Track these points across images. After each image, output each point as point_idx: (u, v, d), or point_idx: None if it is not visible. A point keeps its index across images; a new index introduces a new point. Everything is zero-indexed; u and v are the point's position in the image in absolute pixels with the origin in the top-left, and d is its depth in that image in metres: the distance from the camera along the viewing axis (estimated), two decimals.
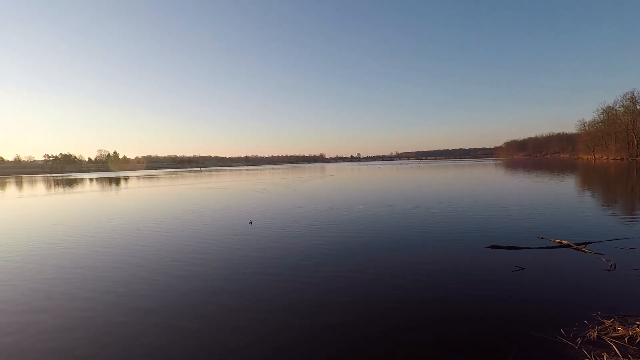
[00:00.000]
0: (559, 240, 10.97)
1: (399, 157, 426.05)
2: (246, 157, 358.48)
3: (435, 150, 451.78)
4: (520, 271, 8.50)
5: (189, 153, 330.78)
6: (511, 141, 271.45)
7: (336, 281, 8.33)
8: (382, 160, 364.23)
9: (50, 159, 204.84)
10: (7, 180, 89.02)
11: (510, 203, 20.16)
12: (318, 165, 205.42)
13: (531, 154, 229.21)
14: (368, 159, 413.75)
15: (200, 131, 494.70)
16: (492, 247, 10.79)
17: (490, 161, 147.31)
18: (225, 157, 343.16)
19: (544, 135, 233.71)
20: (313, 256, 10.55)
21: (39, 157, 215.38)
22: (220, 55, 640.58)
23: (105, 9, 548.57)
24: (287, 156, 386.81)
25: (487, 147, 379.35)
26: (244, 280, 8.62)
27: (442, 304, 6.84)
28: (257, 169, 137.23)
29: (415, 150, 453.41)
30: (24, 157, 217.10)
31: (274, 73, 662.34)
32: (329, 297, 7.36)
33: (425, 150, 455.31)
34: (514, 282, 7.82)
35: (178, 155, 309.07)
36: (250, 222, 16.59)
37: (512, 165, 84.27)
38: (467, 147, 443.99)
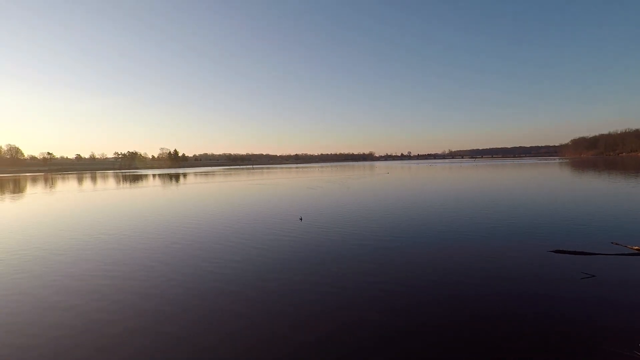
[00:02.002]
0: (637, 247, 9.85)
1: (452, 155, 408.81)
2: (296, 155, 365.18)
3: (492, 148, 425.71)
4: (590, 279, 7.78)
5: (242, 151, 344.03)
6: (579, 138, 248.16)
7: (392, 281, 8.20)
8: (434, 158, 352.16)
9: (120, 156, 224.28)
10: (84, 175, 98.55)
11: (577, 205, 18.51)
12: (367, 163, 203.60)
13: (603, 153, 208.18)
14: (419, 157, 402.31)
15: (253, 130, 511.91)
16: (556, 251, 9.99)
17: (555, 160, 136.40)
18: (275, 155, 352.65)
19: (619, 132, 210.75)
20: (364, 255, 10.48)
21: (110, 154, 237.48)
22: (271, 56, 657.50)
23: (166, 13, 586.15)
24: (335, 154, 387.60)
25: (551, 144, 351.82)
26: (288, 278, 8.78)
27: (502, 311, 6.44)
28: (307, 167, 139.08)
29: (469, 149, 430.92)
30: (97, 155, 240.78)
31: (323, 72, 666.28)
32: (387, 295, 7.27)
33: (480, 148, 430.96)
34: (582, 291, 7.17)
35: (232, 153, 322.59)
36: (301, 219, 16.84)
37: (581, 165, 77.20)
38: (527, 145, 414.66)
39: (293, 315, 6.49)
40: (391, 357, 5.01)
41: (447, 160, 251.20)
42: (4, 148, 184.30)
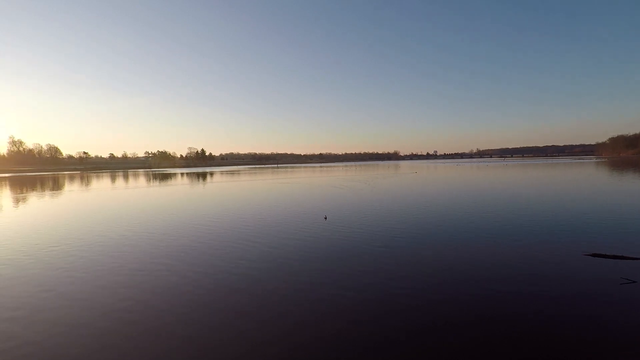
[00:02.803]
0: None
1: (480, 154, 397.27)
2: (320, 154, 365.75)
3: (523, 147, 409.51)
4: (631, 285, 7.36)
5: (267, 150, 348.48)
6: (618, 137, 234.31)
7: (417, 282, 8.07)
8: (461, 157, 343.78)
9: (150, 155, 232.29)
10: (117, 174, 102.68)
11: (616, 207, 17.56)
12: (392, 162, 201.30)
13: None
14: (445, 156, 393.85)
15: (277, 130, 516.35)
16: (592, 254, 9.52)
17: (591, 159, 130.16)
18: (300, 154, 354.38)
19: None
20: (391, 256, 10.36)
21: (140, 153, 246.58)
22: (296, 58, 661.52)
23: (197, 15, 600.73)
24: (360, 153, 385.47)
25: (587, 143, 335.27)
26: (308, 278, 8.79)
27: (531, 318, 6.20)
28: (331, 166, 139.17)
29: (498, 148, 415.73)
30: (129, 154, 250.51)
31: (347, 71, 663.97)
32: (410, 295, 7.17)
33: (510, 147, 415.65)
34: (622, 297, 6.80)
35: (257, 153, 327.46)
36: (325, 218, 16.84)
37: (620, 165, 73.15)
38: (561, 143, 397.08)
39: (316, 314, 6.51)
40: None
41: (474, 159, 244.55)
42: (45, 148, 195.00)
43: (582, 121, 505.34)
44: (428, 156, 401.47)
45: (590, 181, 34.41)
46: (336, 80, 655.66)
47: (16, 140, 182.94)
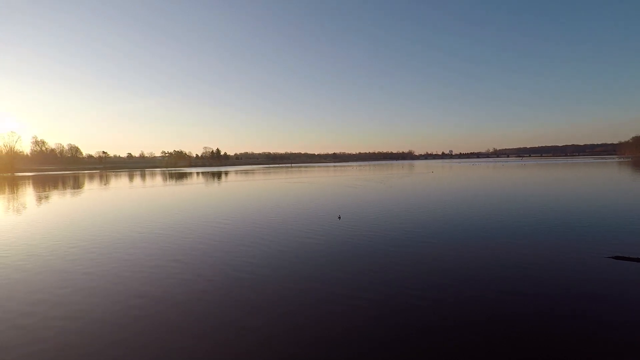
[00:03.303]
0: None
1: (497, 154, 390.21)
2: (334, 153, 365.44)
3: (541, 146, 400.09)
4: None
5: (281, 150, 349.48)
6: None
7: (435, 285, 8.03)
8: (477, 157, 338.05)
9: (166, 155, 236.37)
10: (134, 173, 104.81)
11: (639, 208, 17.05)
12: (406, 162, 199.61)
13: None
14: (461, 156, 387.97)
15: (291, 129, 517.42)
16: (616, 257, 9.28)
17: (613, 159, 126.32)
18: (314, 154, 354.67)
19: None
20: (407, 258, 10.31)
21: (157, 153, 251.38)
22: (309, 58, 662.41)
23: (210, 17, 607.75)
24: (374, 153, 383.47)
25: (608, 142, 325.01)
26: (320, 277, 8.82)
27: (551, 324, 6.10)
28: (345, 166, 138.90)
29: (515, 147, 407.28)
30: (146, 153, 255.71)
31: (359, 71, 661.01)
32: (425, 295, 7.14)
33: (528, 146, 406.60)
34: None
35: (271, 152, 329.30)
36: (339, 217, 16.85)
37: None
38: (581, 142, 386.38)
39: (324, 314, 6.54)
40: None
41: (490, 159, 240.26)
42: (66, 147, 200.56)
43: (604, 119, 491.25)
44: (443, 156, 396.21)
45: (613, 181, 33.43)
46: (350, 80, 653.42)
47: (39, 140, 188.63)
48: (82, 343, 5.62)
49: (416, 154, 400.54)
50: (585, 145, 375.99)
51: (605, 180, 35.63)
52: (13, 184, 54.21)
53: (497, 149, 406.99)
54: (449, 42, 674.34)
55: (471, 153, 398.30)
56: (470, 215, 16.54)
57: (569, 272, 8.32)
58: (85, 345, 5.56)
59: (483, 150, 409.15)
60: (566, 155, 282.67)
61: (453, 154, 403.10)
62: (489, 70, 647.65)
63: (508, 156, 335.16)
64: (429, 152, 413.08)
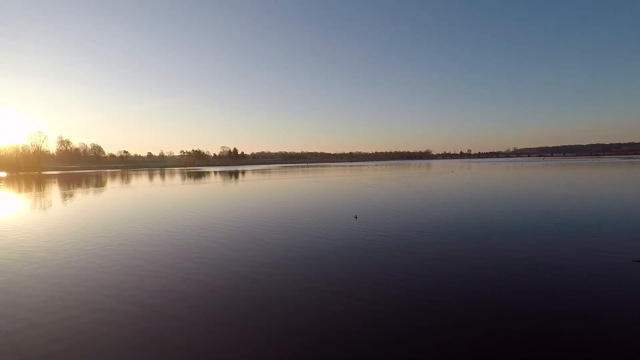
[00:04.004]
0: None
1: (517, 153, 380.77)
2: (350, 153, 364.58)
3: (564, 146, 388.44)
4: None
5: (297, 149, 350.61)
6: None
7: (452, 290, 7.86)
8: (497, 157, 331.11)
9: (185, 154, 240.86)
10: (154, 172, 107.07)
11: None
12: (424, 162, 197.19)
13: None
14: (480, 155, 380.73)
15: (307, 129, 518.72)
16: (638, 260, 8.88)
17: None
18: (330, 154, 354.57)
19: None
20: (424, 259, 10.16)
21: (176, 152, 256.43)
22: (326, 57, 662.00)
23: (229, 17, 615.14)
24: (390, 152, 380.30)
25: (636, 141, 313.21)
26: (333, 278, 8.75)
27: (574, 330, 5.89)
28: (361, 165, 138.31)
29: (537, 147, 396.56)
30: (166, 153, 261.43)
31: (375, 69, 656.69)
32: (438, 297, 7.00)
33: (550, 146, 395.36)
34: None
35: (287, 152, 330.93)
36: (356, 217, 16.73)
37: None
38: (606, 142, 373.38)
39: (334, 315, 6.52)
40: None
41: (511, 158, 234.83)
42: (89, 147, 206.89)
43: (630, 118, 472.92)
44: (461, 155, 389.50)
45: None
46: (366, 79, 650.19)
47: (64, 139, 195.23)
48: (96, 341, 5.74)
49: (433, 153, 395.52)
50: (611, 144, 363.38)
51: (630, 180, 34.24)
52: (40, 182, 56.24)
53: (518, 148, 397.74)
54: (469, 37, 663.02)
55: (490, 152, 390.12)
56: (490, 217, 16.18)
57: (600, 275, 8.05)
58: (100, 344, 5.67)
59: (503, 149, 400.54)
60: (590, 155, 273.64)
61: (471, 153, 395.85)
62: (510, 67, 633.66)
63: (529, 155, 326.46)
64: (447, 152, 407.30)
